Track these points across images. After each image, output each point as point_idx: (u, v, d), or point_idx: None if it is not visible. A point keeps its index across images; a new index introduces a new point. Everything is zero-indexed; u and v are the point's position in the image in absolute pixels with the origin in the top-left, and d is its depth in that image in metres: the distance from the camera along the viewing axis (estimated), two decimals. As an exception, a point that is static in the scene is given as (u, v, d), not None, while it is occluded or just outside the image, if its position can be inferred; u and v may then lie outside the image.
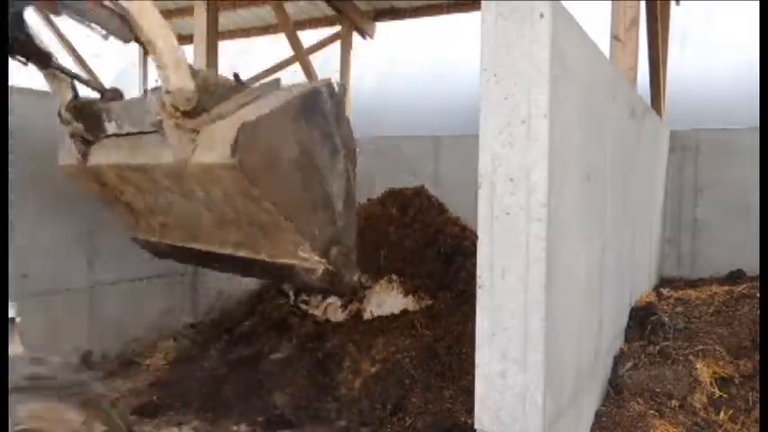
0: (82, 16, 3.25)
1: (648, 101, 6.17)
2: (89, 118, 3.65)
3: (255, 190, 2.87)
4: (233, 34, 10.79)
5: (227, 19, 10.04)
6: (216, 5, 7.93)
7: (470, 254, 4.64)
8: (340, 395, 4.34)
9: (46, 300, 4.83)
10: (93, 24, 3.30)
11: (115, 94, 3.82)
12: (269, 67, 9.82)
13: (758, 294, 4.41)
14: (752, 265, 5.79)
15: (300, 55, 9.12)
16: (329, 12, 9.70)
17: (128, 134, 3.47)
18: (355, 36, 9.87)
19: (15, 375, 2.84)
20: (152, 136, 3.24)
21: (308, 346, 4.86)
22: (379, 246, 5.46)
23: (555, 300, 2.38)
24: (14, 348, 2.72)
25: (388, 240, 5.52)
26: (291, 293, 5.71)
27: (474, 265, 2.43)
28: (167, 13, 10.65)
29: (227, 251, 3.54)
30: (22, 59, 3.32)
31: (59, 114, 3.76)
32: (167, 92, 2.92)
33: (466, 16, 9.40)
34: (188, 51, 9.31)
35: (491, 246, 2.34)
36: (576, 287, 2.81)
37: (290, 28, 9.02)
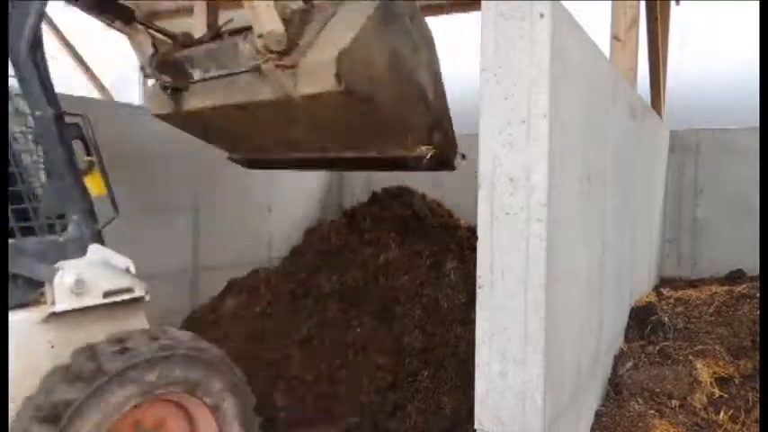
0: None
1: (648, 101, 6.17)
2: (174, 68, 3.86)
3: (364, 105, 3.13)
4: (233, 34, 10.77)
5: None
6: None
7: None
8: (341, 395, 4.34)
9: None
10: None
11: (185, 39, 4.03)
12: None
13: (758, 294, 4.41)
14: (752, 265, 5.79)
15: (300, 55, 9.11)
16: (329, 12, 9.70)
17: (218, 77, 3.68)
18: (355, 36, 9.86)
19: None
20: (244, 76, 3.44)
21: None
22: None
23: (555, 300, 2.38)
24: None
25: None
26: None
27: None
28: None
29: (331, 155, 3.86)
30: (108, 19, 3.32)
31: (143, 69, 3.90)
32: (260, 36, 3.09)
33: (466, 16, 9.39)
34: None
35: (491, 246, 2.34)
36: (576, 287, 2.81)
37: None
